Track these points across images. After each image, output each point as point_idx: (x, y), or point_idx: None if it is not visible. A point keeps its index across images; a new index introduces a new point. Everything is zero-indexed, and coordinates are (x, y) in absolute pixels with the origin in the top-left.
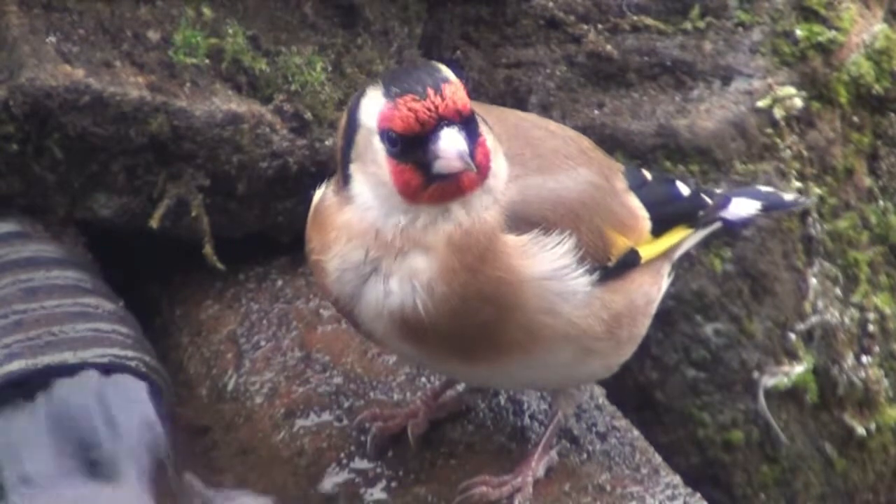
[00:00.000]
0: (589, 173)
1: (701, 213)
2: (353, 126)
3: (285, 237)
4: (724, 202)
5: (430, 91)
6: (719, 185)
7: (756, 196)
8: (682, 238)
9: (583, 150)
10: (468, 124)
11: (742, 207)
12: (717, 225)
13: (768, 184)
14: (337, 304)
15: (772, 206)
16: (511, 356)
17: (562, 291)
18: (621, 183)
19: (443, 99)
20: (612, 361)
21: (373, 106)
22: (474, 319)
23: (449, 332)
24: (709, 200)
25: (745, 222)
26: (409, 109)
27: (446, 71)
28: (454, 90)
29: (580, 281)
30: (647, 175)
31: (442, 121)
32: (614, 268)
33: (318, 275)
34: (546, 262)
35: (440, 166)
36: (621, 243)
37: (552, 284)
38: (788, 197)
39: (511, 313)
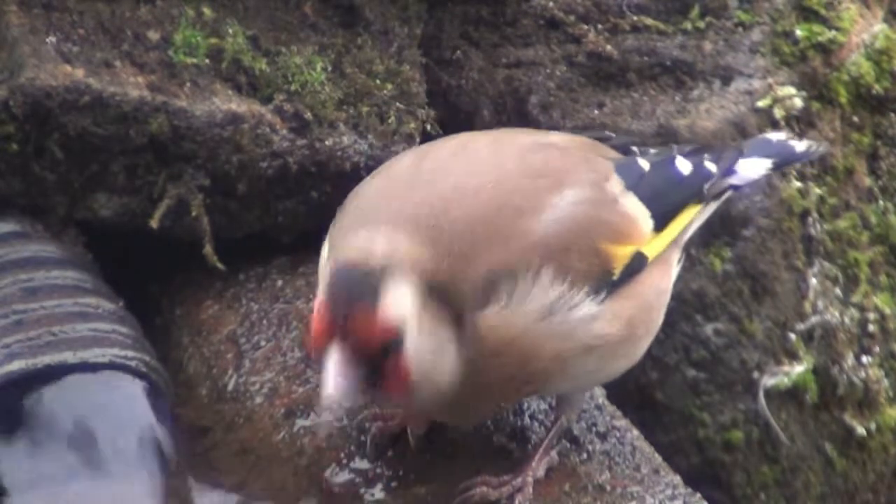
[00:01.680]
0: (577, 191)
1: (706, 185)
2: None
3: (285, 237)
4: (728, 168)
5: (343, 306)
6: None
7: (766, 152)
8: (691, 218)
9: (572, 161)
10: (368, 351)
11: (752, 168)
12: (727, 194)
13: (768, 185)
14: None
15: (784, 161)
16: (540, 382)
17: (562, 323)
18: (617, 185)
19: (353, 321)
20: (636, 355)
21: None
22: (504, 388)
23: (469, 407)
24: (713, 169)
25: (756, 183)
26: (318, 316)
27: (389, 292)
28: (372, 318)
29: (581, 306)
30: (644, 165)
31: (336, 338)
32: (620, 279)
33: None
34: (530, 308)
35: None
36: (622, 253)
37: (551, 321)
38: (800, 147)
39: (527, 365)
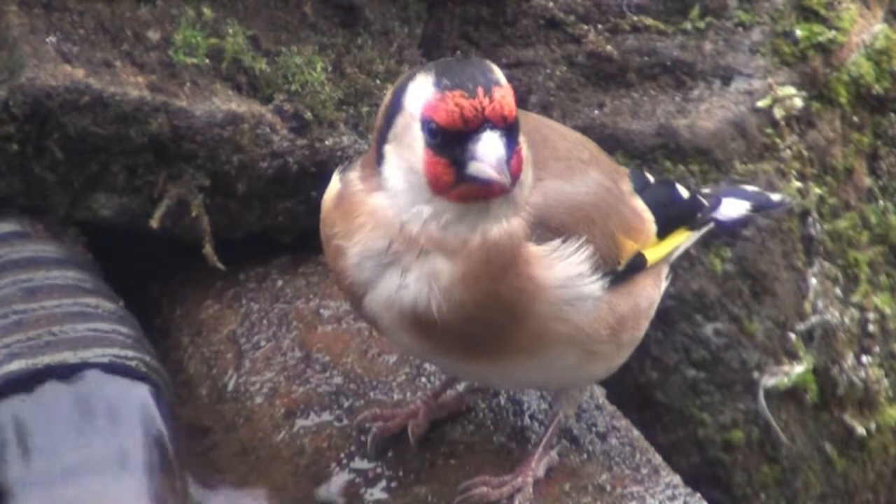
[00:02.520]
0: (600, 177)
1: (699, 214)
2: (395, 107)
3: (285, 237)
4: (715, 203)
5: (480, 90)
6: (719, 184)
7: (744, 196)
8: (682, 240)
9: (592, 153)
10: (510, 131)
11: (732, 208)
12: (710, 225)
13: (769, 183)
14: (349, 289)
15: (760, 206)
16: (514, 358)
17: (573, 298)
18: (627, 186)
19: (491, 101)
20: (613, 363)
21: (420, 92)
22: (486, 324)
23: (458, 332)
24: (705, 202)
25: (736, 223)
26: (456, 105)
27: (499, 73)
28: (504, 94)
29: (592, 288)
30: (650, 177)
31: (486, 123)
32: (622, 272)
33: (336, 259)
34: (564, 270)
35: (475, 169)
36: (630, 247)
37: (565, 292)
38: (775, 197)
39: (524, 320)
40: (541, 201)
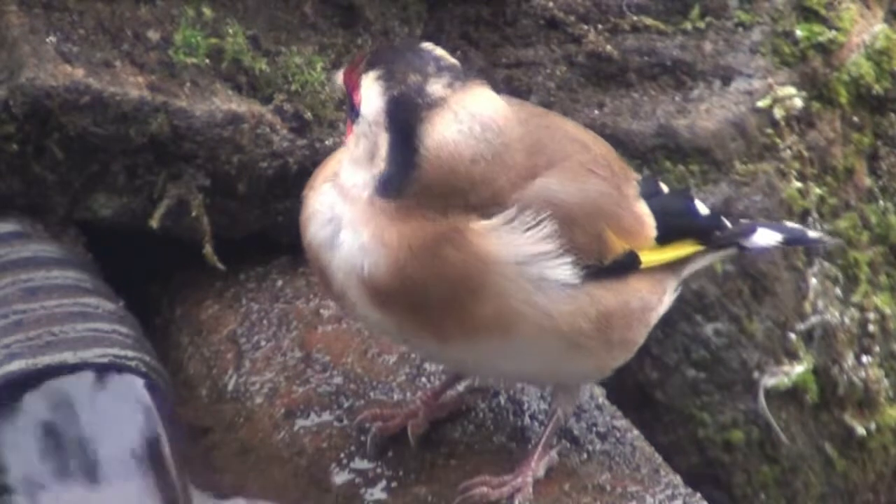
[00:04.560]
0: (599, 182)
1: (717, 233)
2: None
3: (285, 237)
4: (749, 229)
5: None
6: (719, 185)
7: (780, 229)
8: (691, 253)
9: (598, 155)
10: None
11: (764, 237)
12: (732, 250)
13: (768, 185)
14: (310, 253)
15: (794, 240)
16: (485, 339)
17: (538, 279)
18: (632, 190)
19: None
20: (604, 363)
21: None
22: (436, 295)
23: (411, 301)
24: (728, 224)
25: (763, 251)
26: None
27: (427, 49)
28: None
29: (561, 272)
30: (664, 187)
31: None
32: (608, 267)
33: (304, 229)
34: (517, 245)
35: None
36: (619, 246)
37: (526, 270)
38: (813, 234)
39: (479, 294)
40: (523, 196)
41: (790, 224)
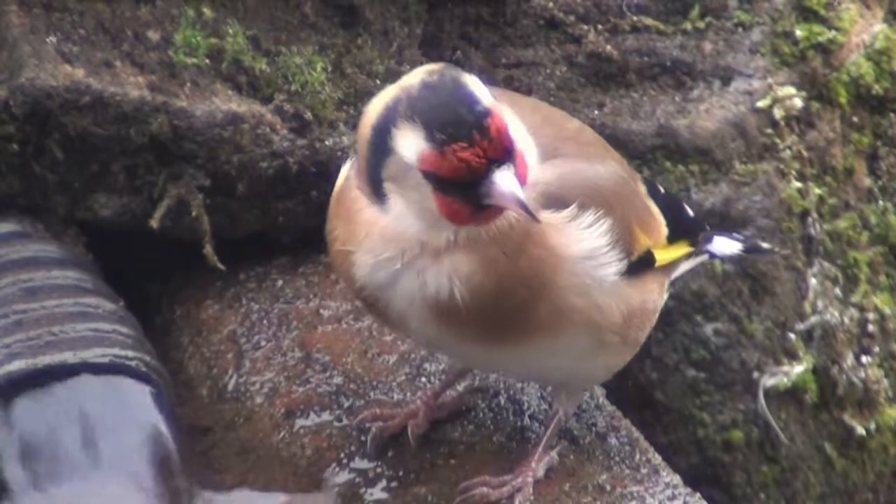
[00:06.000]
0: (618, 167)
1: (701, 235)
2: (381, 148)
3: (285, 237)
4: (708, 237)
5: (476, 135)
6: (719, 185)
7: (736, 238)
8: (682, 255)
9: (599, 140)
10: (513, 153)
11: (725, 246)
12: (704, 256)
13: (768, 185)
14: (360, 294)
15: (751, 249)
16: (534, 340)
17: (595, 273)
18: (642, 188)
19: (490, 141)
20: (614, 362)
21: (411, 144)
22: (511, 302)
23: (481, 315)
24: (707, 227)
25: (730, 258)
26: (459, 159)
27: (480, 90)
28: (496, 122)
29: (611, 267)
30: (661, 188)
31: (493, 163)
32: (634, 264)
33: (342, 263)
34: (583, 241)
35: (495, 200)
36: (643, 241)
37: (587, 265)
38: (765, 245)
39: (545, 291)
40: (555, 178)
41: (738, 235)
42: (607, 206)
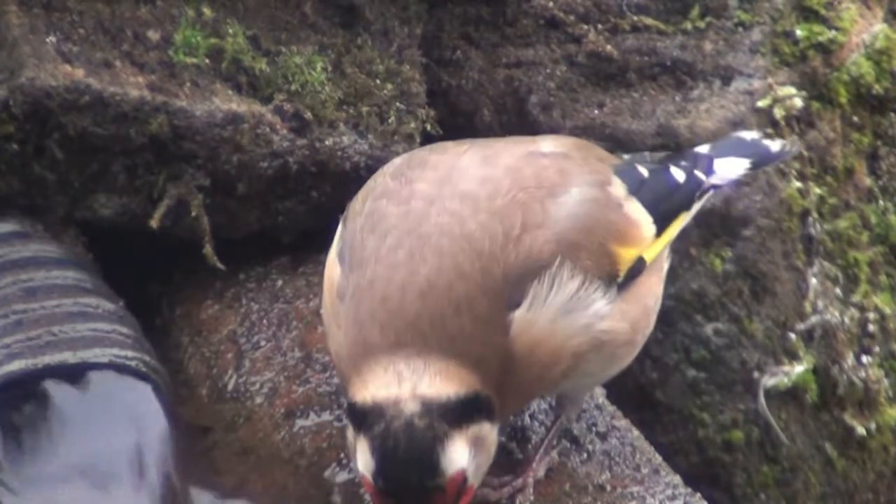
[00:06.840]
0: (582, 191)
1: (697, 193)
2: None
3: (285, 237)
4: (708, 166)
5: (412, 500)
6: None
7: (742, 151)
8: (681, 225)
9: (571, 164)
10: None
11: (729, 168)
12: (709, 194)
13: (768, 184)
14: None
15: (761, 161)
16: (556, 387)
17: (583, 316)
18: (620, 189)
19: None
20: (626, 362)
21: (363, 460)
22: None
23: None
24: (703, 177)
25: (734, 183)
26: None
27: (446, 465)
28: (446, 501)
29: (597, 302)
30: (644, 171)
31: None
32: (624, 280)
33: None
34: (557, 300)
35: None
36: (627, 256)
37: (572, 316)
38: (775, 147)
39: (553, 365)
40: (517, 260)
41: (746, 137)
42: (572, 250)
